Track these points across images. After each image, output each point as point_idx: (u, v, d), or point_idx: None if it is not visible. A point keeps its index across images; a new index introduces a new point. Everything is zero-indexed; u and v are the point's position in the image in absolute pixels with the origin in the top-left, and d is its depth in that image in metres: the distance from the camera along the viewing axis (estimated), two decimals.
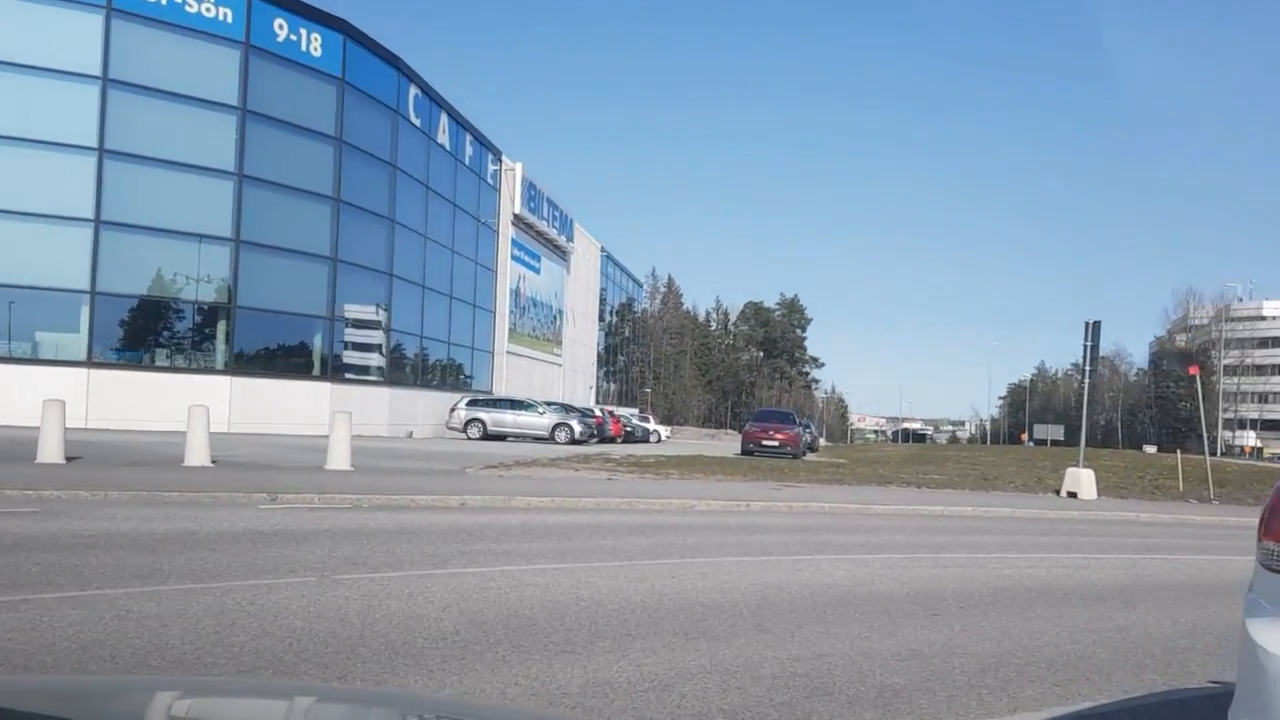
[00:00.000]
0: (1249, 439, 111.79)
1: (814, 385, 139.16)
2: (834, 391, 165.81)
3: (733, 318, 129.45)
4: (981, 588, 9.01)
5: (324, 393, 29.91)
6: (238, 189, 28.51)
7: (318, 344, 31.40)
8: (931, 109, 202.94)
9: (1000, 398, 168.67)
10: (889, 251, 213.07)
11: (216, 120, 28.43)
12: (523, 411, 36.34)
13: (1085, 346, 21.60)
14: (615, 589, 7.81)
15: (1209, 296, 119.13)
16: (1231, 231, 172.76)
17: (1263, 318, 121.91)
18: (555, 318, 54.85)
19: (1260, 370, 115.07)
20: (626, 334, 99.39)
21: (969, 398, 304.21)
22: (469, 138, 41.20)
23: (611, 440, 41.74)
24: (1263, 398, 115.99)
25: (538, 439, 35.39)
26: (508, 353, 45.94)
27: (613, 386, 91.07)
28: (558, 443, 34.90)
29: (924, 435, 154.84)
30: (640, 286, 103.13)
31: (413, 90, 35.63)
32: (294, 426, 28.20)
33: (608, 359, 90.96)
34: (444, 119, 38.51)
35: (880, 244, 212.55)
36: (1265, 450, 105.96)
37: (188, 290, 28.51)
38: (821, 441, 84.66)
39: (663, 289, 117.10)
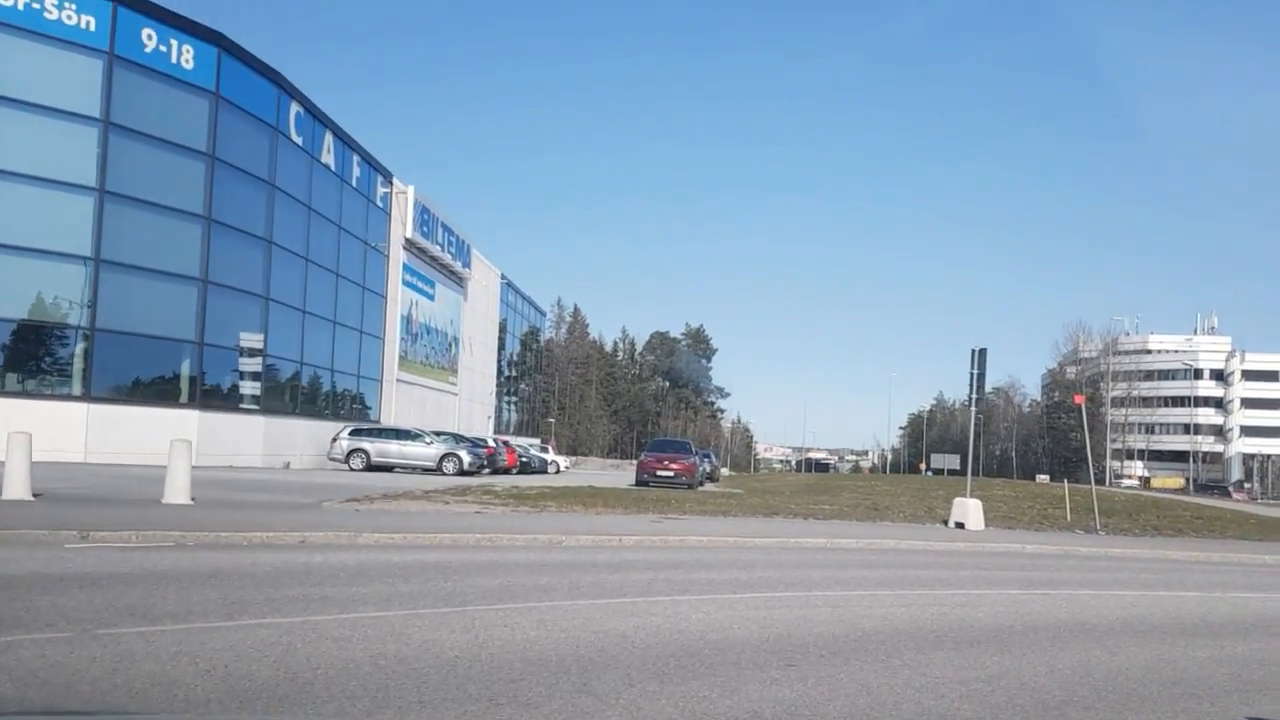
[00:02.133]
0: (1136, 469, 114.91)
1: (720, 415, 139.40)
2: (740, 421, 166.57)
3: (639, 347, 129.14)
4: (849, 631, 8.24)
5: (191, 421, 28.18)
6: (99, 205, 26.81)
7: (185, 369, 29.67)
8: (832, 141, 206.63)
9: (901, 428, 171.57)
10: (793, 282, 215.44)
11: (77, 133, 26.78)
12: (409, 441, 34.98)
13: (972, 374, 21.32)
14: (431, 642, 6.84)
15: (1097, 330, 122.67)
16: (1120, 267, 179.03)
17: (1149, 351, 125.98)
18: (451, 345, 53.44)
19: (1146, 402, 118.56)
20: (530, 363, 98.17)
21: (872, 428, 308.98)
22: (356, 158, 39.84)
23: (506, 471, 40.57)
24: (1149, 429, 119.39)
25: (426, 470, 34.11)
26: (398, 381, 44.43)
27: (516, 416, 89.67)
28: (446, 474, 33.67)
29: (827, 465, 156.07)
30: (544, 315, 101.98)
31: (294, 107, 34.24)
32: (157, 457, 26.24)
33: (511, 389, 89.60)
34: (328, 138, 37.14)
35: (784, 274, 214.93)
36: (1152, 480, 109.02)
37: (43, 311, 26.68)
38: (725, 471, 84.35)
39: (568, 318, 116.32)
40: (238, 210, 31.12)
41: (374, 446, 34.29)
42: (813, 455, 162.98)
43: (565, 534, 14.21)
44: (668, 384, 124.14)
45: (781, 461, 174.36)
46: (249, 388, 32.73)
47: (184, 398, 29.34)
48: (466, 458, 34.84)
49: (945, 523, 21.19)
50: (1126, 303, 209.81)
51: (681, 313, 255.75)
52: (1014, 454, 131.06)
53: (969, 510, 20.60)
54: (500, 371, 70.60)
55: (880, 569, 13.10)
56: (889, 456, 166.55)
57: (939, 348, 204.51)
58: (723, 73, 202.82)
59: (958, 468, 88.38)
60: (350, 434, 34.57)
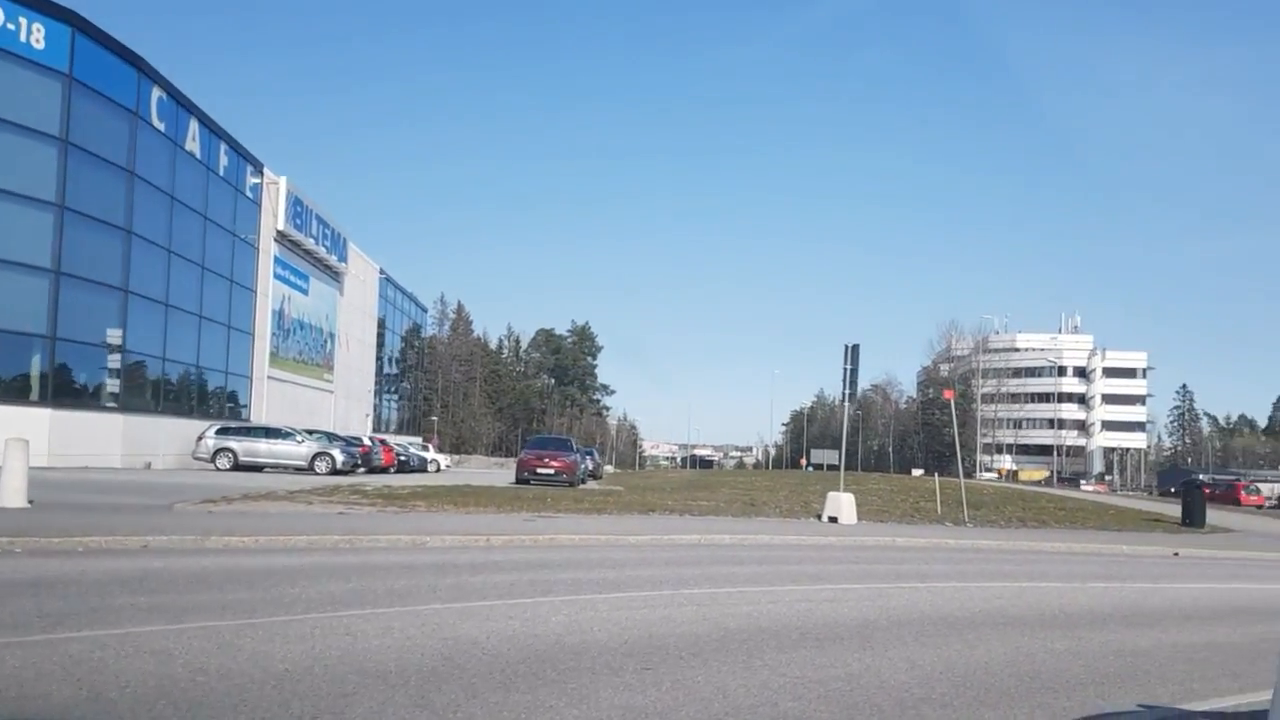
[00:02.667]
0: (1005, 462, 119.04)
1: (605, 413, 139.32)
2: (626, 418, 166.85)
3: (524, 344, 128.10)
4: (713, 630, 8.02)
5: (42, 420, 26.62)
6: None
7: (35, 366, 28.00)
8: (715, 139, 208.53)
9: (783, 424, 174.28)
10: (679, 279, 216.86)
11: None
12: (278, 440, 33.78)
13: (845, 370, 21.51)
14: (262, 654, 6.34)
15: (969, 329, 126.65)
16: (992, 267, 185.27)
17: (1017, 349, 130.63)
18: (326, 342, 51.95)
19: (1014, 398, 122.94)
20: (412, 361, 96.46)
21: (756, 425, 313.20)
22: (224, 147, 38.27)
23: (383, 470, 39.60)
24: (1017, 424, 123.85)
25: (299, 470, 33.02)
26: (269, 378, 42.92)
27: (397, 415, 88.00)
28: (318, 473, 32.65)
29: (711, 461, 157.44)
30: (425, 312, 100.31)
31: (156, 92, 32.67)
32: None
33: (392, 387, 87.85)
34: (194, 125, 35.57)
35: (670, 272, 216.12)
36: (1020, 473, 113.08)
37: None
38: (609, 469, 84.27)
39: (451, 315, 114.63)
40: (94, 198, 29.52)
41: (242, 446, 33.01)
42: (698, 452, 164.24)
43: (431, 534, 13.72)
44: (553, 381, 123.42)
45: (668, 459, 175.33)
46: (107, 385, 31.14)
47: (34, 395, 27.69)
48: (340, 457, 33.82)
49: (819, 517, 21.32)
50: (997, 303, 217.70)
51: (568, 310, 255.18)
52: (891, 449, 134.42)
53: (842, 505, 20.76)
54: (380, 369, 69.05)
55: (751, 565, 12.98)
56: (772, 453, 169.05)
57: (820, 346, 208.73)
58: (608, 69, 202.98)
59: (837, 463, 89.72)
60: (217, 433, 33.20)
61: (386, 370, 79.43)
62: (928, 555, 16.35)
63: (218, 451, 32.52)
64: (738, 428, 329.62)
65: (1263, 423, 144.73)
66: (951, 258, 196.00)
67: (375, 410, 68.53)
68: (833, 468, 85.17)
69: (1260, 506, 53.23)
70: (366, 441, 39.80)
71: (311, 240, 46.83)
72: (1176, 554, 19.49)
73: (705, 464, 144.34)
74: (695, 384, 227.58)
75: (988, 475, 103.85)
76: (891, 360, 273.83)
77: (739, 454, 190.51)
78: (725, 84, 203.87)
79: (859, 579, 12.01)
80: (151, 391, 33.97)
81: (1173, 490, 72.24)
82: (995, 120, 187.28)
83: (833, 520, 20.69)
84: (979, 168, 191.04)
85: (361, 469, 36.44)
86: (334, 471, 33.13)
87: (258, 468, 32.83)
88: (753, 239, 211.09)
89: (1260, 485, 71.06)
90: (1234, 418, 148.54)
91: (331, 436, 37.43)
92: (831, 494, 21.55)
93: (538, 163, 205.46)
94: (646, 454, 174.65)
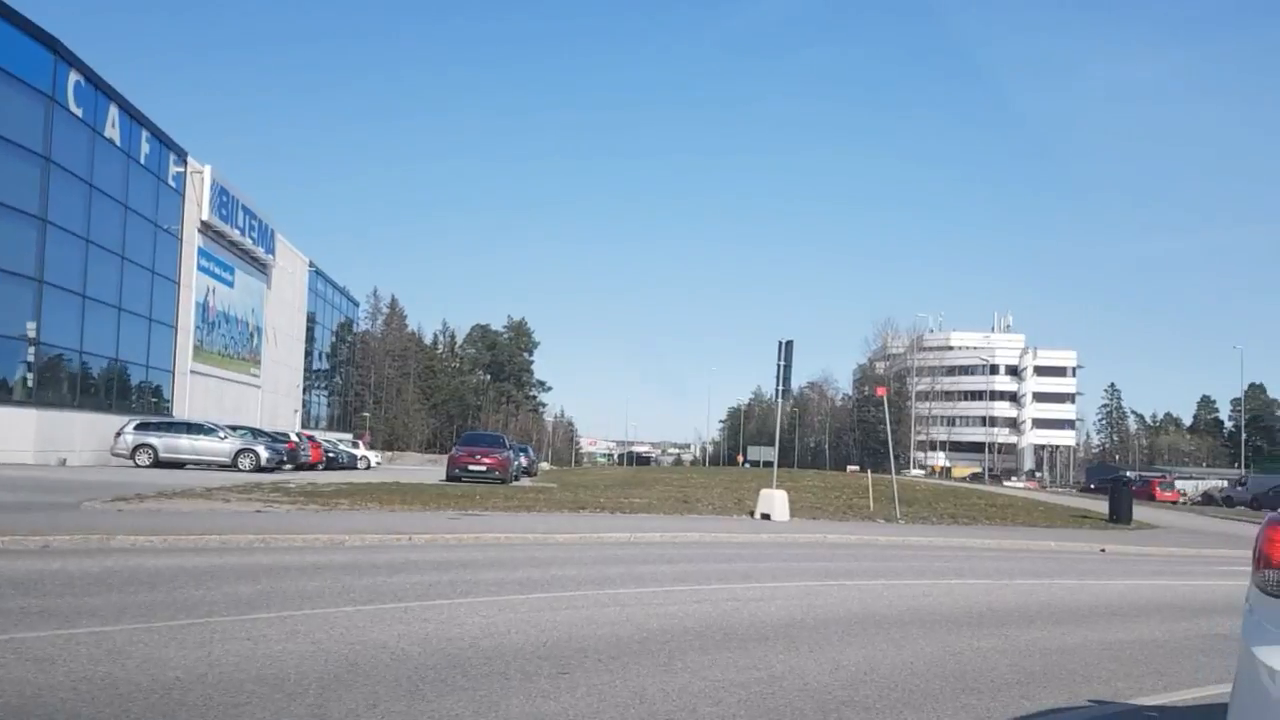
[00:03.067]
0: (939, 459, 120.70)
1: (542, 409, 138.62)
2: (563, 415, 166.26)
3: (460, 340, 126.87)
4: (635, 632, 7.76)
5: None
6: None
7: None
8: (653, 137, 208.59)
9: (721, 421, 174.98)
10: (617, 275, 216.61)
11: None
12: (200, 436, 32.86)
13: (779, 366, 21.41)
14: (154, 660, 5.97)
15: (905, 327, 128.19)
16: (927, 266, 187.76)
17: (950, 348, 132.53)
18: (253, 336, 50.79)
19: (948, 396, 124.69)
20: (345, 356, 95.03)
21: (694, 421, 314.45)
22: (145, 134, 37.11)
23: (311, 467, 38.83)
24: (950, 421, 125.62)
25: (222, 467, 32.20)
26: (192, 372, 41.78)
27: (329, 411, 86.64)
28: (242, 470, 31.85)
29: (648, 458, 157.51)
30: (357, 306, 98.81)
31: (73, 76, 31.55)
32: None
33: (323, 382, 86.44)
34: (114, 111, 34.43)
35: (608, 267, 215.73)
36: (953, 470, 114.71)
37: None
38: (545, 466, 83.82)
39: (385, 310, 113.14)
40: (6, 185, 28.38)
41: (162, 441, 32.05)
42: (636, 449, 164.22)
43: (350, 533, 13.29)
44: (489, 377, 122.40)
45: (605, 455, 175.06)
46: (20, 378, 30.02)
47: None
48: (264, 453, 33.03)
49: (752, 515, 21.20)
50: (932, 301, 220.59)
51: (504, 305, 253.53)
52: (827, 446, 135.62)
53: (775, 501, 20.67)
54: (309, 364, 67.79)
55: (680, 563, 12.76)
56: (709, 450, 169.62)
57: (758, 343, 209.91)
58: (547, 64, 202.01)
59: (773, 459, 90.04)
60: (136, 428, 32.19)
61: (317, 365, 78.08)
62: (858, 552, 16.28)
63: (137, 448, 31.55)
64: (676, 425, 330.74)
65: (1187, 421, 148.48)
66: (888, 256, 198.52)
67: (305, 406, 67.32)
68: (769, 465, 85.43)
69: (1175, 502, 54.57)
70: (293, 438, 38.97)
71: (237, 231, 45.69)
72: (1104, 550, 19.69)
73: (643, 461, 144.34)
74: (633, 381, 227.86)
75: (916, 472, 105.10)
76: (828, 358, 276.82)
77: (677, 451, 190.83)
78: (665, 82, 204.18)
79: (788, 577, 11.85)
80: (68, 385, 32.85)
81: (1092, 486, 74.22)
82: (930, 120, 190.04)
83: (765, 517, 20.59)
84: (915, 167, 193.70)
85: (288, 466, 35.65)
86: (258, 468, 32.36)
87: (180, 464, 31.93)
88: (690, 236, 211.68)
89: (1179, 482, 73.07)
90: (1160, 416, 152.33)
91: (256, 432, 36.56)
92: (764, 491, 21.45)
93: (473, 157, 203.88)
94: (584, 451, 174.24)
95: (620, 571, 11.48)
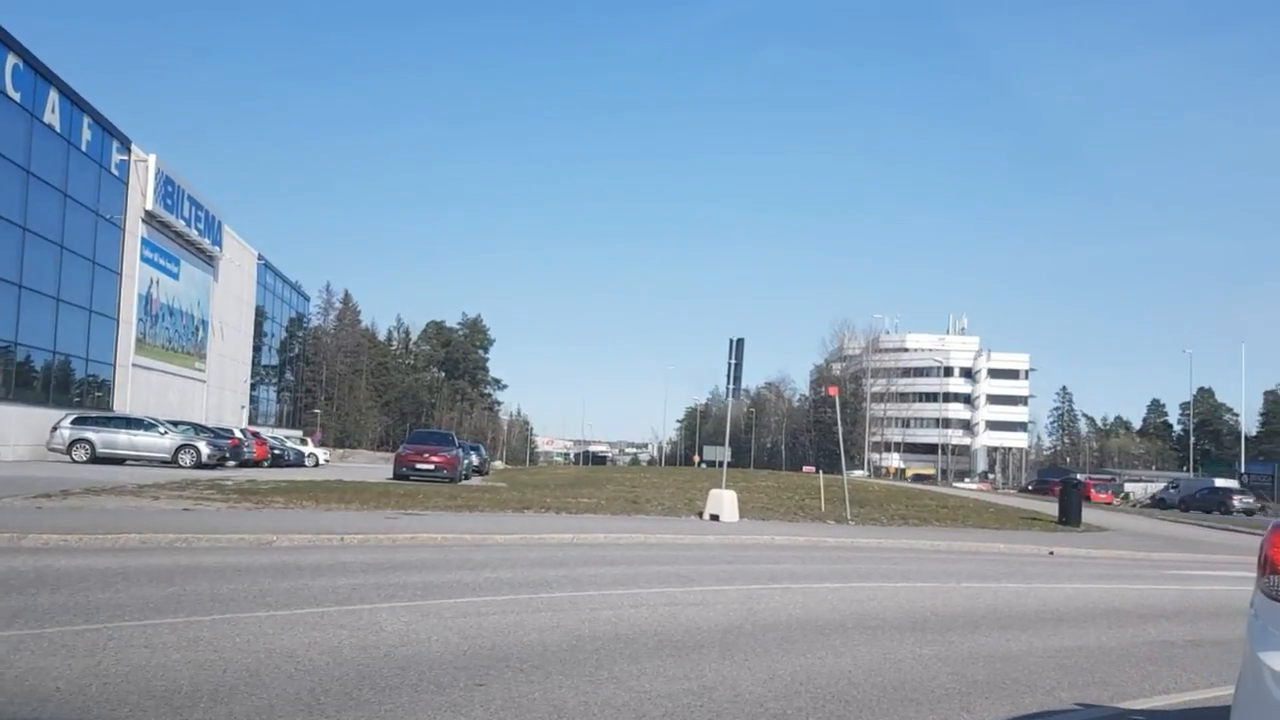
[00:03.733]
0: (894, 460, 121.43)
1: (497, 407, 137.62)
2: (519, 414, 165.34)
3: (414, 337, 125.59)
4: (564, 638, 7.40)
5: None
6: None
7: None
8: (610, 135, 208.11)
9: (678, 421, 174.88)
10: (573, 273, 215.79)
11: None
12: (140, 431, 32.01)
13: (729, 364, 21.14)
14: (35, 671, 5.54)
15: (861, 329, 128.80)
16: (884, 267, 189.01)
17: (906, 349, 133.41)
18: (198, 329, 49.73)
19: (904, 397, 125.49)
20: (296, 351, 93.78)
21: (651, 421, 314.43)
22: (87, 120, 36.11)
23: (256, 464, 37.99)
24: (905, 422, 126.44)
25: (164, 463, 31.41)
26: (135, 366, 40.75)
27: (279, 407, 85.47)
28: (182, 466, 31.10)
29: (604, 458, 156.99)
30: (308, 301, 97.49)
31: (11, 59, 30.57)
32: None
33: (274, 378, 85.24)
34: (54, 96, 33.43)
35: (565, 265, 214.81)
36: (908, 470, 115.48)
37: None
38: (498, 464, 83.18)
39: (338, 305, 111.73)
40: None
41: (100, 437, 31.19)
42: (593, 448, 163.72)
43: (280, 533, 12.80)
44: (443, 375, 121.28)
45: (562, 455, 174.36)
46: None
47: None
48: (206, 449, 32.26)
49: (701, 515, 20.90)
50: (889, 303, 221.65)
51: (459, 302, 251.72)
52: (784, 446, 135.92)
53: (724, 502, 20.39)
54: (258, 359, 66.70)
55: (621, 565, 12.40)
56: (666, 449, 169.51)
57: (716, 343, 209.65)
58: (506, 64, 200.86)
59: (729, 459, 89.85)
60: (73, 423, 31.29)
61: (266, 361, 76.92)
62: (806, 554, 16.03)
63: (74, 443, 30.67)
64: (634, 424, 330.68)
65: (1138, 424, 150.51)
66: (845, 258, 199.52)
67: (253, 402, 66.26)
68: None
69: (1109, 504, 55.57)
70: (237, 434, 38.14)
71: (183, 222, 44.64)
72: (1052, 553, 19.60)
73: (599, 460, 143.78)
74: (591, 380, 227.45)
75: (858, 473, 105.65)
76: (786, 359, 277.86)
77: (634, 450, 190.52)
78: (620, 80, 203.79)
79: (731, 580, 11.53)
80: (3, 378, 31.86)
81: (1029, 487, 75.70)
82: (889, 122, 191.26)
83: (714, 518, 20.30)
84: (873, 169, 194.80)
85: (231, 463, 34.86)
86: (199, 465, 31.61)
87: (119, 460, 31.08)
88: (647, 235, 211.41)
89: (1129, 485, 74.36)
90: (1110, 419, 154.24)
91: (199, 428, 35.73)
92: (713, 491, 21.16)
93: (429, 154, 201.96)
94: (541, 450, 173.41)
95: (558, 574, 11.11)
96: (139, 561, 10.25)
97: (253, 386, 70.00)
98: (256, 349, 67.83)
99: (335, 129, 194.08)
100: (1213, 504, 51.83)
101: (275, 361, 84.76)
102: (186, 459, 31.64)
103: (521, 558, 12.61)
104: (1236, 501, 51.89)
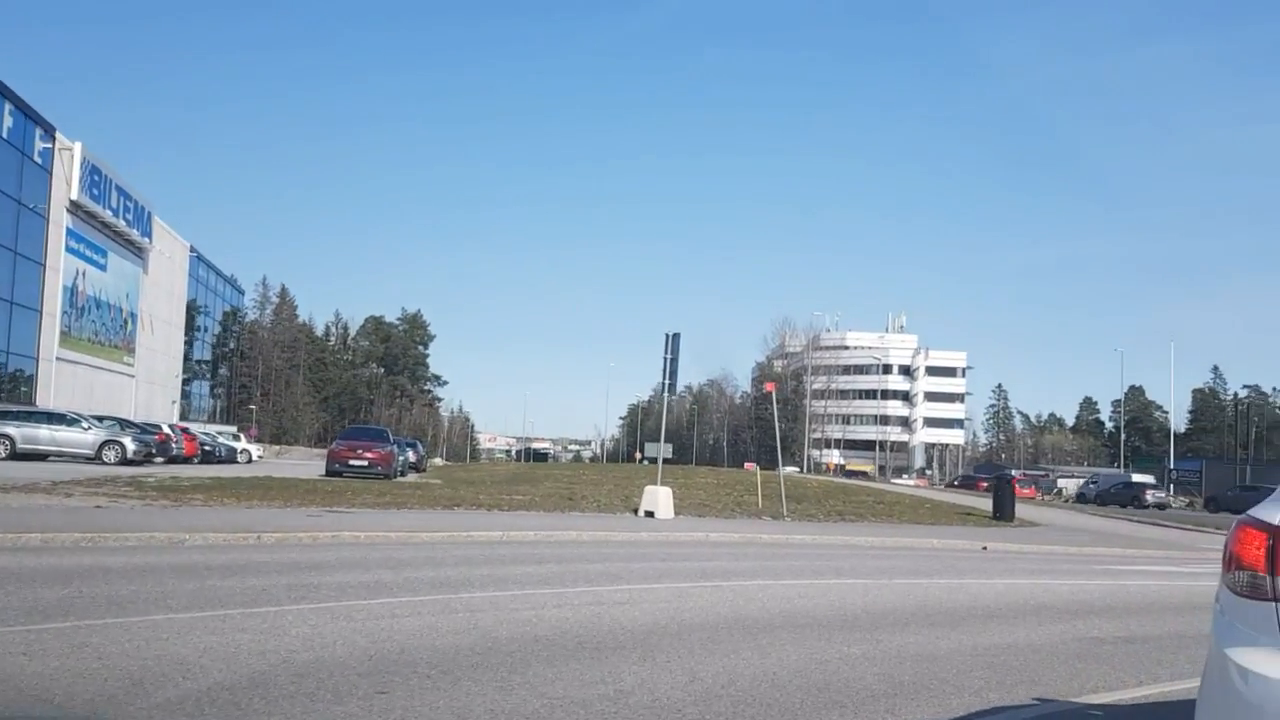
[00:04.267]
0: (834, 457, 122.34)
1: (437, 404, 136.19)
2: (460, 411, 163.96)
3: (353, 332, 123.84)
4: (479, 641, 7.09)
5: None
6: None
7: None
8: (549, 132, 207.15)
9: (621, 417, 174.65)
10: (514, 268, 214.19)
11: None
12: (62, 426, 30.99)
13: (665, 359, 20.94)
14: None
15: (802, 326, 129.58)
16: (825, 266, 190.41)
17: (846, 347, 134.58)
18: (127, 322, 48.45)
19: (844, 394, 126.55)
20: (231, 346, 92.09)
21: (594, 418, 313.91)
22: (9, 107, 34.92)
23: (185, 460, 37.03)
24: (846, 419, 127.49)
25: (88, 459, 30.42)
26: (60, 359, 39.54)
27: (213, 403, 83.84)
28: (107, 463, 30.15)
29: (546, 454, 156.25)
30: (242, 294, 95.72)
31: None
32: None
33: (208, 373, 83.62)
34: None
35: (506, 261, 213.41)
36: (847, 466, 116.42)
37: None
38: (438, 461, 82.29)
39: (274, 299, 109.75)
40: None
41: (20, 432, 30.14)
42: (536, 445, 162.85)
43: (194, 532, 12.30)
44: (382, 370, 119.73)
45: (504, 452, 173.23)
46: None
47: None
48: (131, 445, 31.33)
49: (636, 512, 20.66)
50: (830, 301, 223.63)
51: (399, 297, 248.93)
52: (725, 443, 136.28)
53: (659, 499, 20.18)
54: (191, 354, 65.27)
55: (550, 564, 12.10)
56: (609, 446, 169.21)
57: (659, 340, 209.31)
58: (446, 54, 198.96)
59: (670, 456, 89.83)
60: None
61: (200, 356, 75.43)
62: (739, 551, 15.84)
63: None
64: (577, 421, 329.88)
65: (1070, 421, 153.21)
66: (788, 256, 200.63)
67: (186, 397, 64.86)
68: (667, 461, 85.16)
69: (1032, 499, 57.14)
70: (165, 430, 37.14)
71: (110, 212, 43.41)
72: (985, 548, 19.65)
73: (540, 457, 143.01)
74: (534, 377, 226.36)
75: (790, 469, 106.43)
76: (728, 356, 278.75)
77: (578, 447, 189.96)
78: (560, 81, 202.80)
79: (661, 578, 11.29)
80: None
81: (955, 483, 77.92)
82: (827, 121, 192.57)
83: (649, 515, 20.06)
84: (816, 166, 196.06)
85: (159, 459, 33.92)
86: (125, 461, 30.69)
87: (40, 456, 30.07)
88: (590, 232, 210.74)
89: (1062, 480, 76.22)
90: (1044, 416, 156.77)
91: (125, 424, 34.74)
92: (648, 488, 20.91)
93: (367, 147, 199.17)
94: (483, 447, 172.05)
95: (482, 573, 10.78)
96: (38, 562, 9.74)
97: (186, 382, 68.59)
98: (189, 343, 66.49)
99: (274, 123, 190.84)
100: (1127, 498, 54.30)
101: (209, 356, 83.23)
102: (111, 455, 30.71)
103: (446, 556, 12.25)
104: (1150, 496, 54.51)
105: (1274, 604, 3.14)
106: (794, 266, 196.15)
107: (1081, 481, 72.49)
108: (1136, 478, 62.37)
